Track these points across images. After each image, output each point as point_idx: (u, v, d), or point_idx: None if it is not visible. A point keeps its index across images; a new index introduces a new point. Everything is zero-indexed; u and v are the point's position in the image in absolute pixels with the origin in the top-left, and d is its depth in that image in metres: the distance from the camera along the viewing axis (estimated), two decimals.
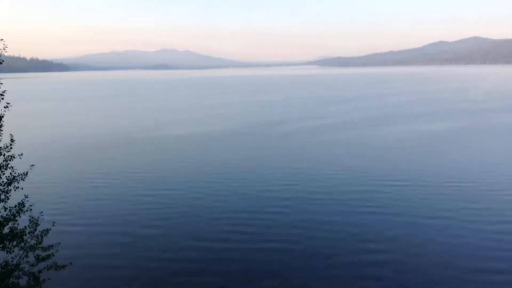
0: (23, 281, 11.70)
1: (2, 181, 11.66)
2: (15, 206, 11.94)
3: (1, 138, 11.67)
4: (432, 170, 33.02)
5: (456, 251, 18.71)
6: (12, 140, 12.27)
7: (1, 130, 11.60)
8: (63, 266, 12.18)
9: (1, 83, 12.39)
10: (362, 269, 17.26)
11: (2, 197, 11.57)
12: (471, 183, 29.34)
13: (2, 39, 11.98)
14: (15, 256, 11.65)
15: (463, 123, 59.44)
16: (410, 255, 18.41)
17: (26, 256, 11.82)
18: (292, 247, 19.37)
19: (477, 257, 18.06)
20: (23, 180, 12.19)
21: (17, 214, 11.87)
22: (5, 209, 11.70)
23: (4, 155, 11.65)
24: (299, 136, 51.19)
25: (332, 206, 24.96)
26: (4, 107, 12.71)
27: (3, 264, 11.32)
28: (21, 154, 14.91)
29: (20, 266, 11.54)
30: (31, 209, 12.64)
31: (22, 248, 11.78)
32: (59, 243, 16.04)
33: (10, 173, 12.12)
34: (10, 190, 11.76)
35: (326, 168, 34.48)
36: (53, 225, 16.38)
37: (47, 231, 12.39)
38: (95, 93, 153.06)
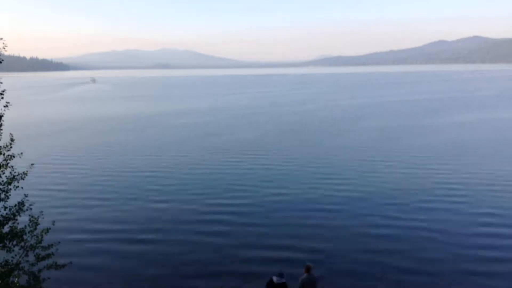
0: (22, 280, 11.72)
1: (2, 181, 11.67)
2: (15, 206, 11.96)
3: (1, 137, 11.67)
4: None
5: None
6: (12, 140, 12.27)
7: (1, 129, 11.60)
8: (63, 266, 12.21)
9: (1, 82, 12.35)
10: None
11: (2, 196, 11.58)
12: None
13: (1, 38, 11.99)
14: (15, 255, 11.66)
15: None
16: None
17: (26, 255, 11.84)
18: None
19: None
20: (23, 179, 12.20)
21: (17, 213, 11.89)
22: (5, 208, 11.71)
23: (4, 154, 11.65)
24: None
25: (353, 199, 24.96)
26: (4, 106, 12.69)
27: (3, 263, 11.34)
28: (21, 153, 14.92)
29: (20, 265, 11.56)
30: (31, 208, 12.65)
31: (22, 247, 11.80)
32: (59, 242, 16.08)
33: (10, 172, 12.12)
34: (10, 189, 11.77)
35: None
36: (53, 224, 16.39)
37: (47, 230, 12.42)
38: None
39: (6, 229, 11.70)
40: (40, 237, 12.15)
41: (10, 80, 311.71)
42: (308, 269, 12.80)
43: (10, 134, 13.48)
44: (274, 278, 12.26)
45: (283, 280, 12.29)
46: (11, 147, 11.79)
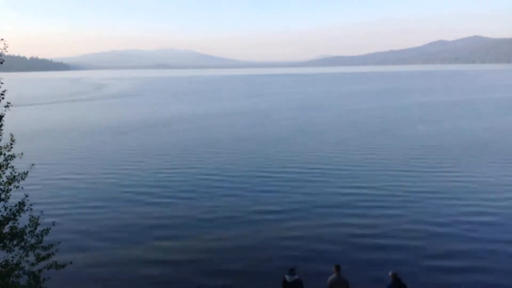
0: (23, 280, 11.74)
1: (2, 181, 11.69)
2: (16, 206, 11.98)
3: (1, 138, 11.70)
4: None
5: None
6: (12, 140, 12.30)
7: (1, 130, 11.63)
8: (63, 266, 12.23)
9: (2, 83, 12.37)
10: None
11: (3, 196, 11.61)
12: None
13: (2, 39, 12.02)
14: (15, 255, 11.69)
15: None
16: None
17: (26, 255, 11.86)
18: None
19: None
20: (24, 179, 12.22)
21: (17, 214, 11.91)
22: (5, 208, 11.74)
23: (4, 154, 11.68)
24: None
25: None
26: (5, 107, 12.72)
27: (3, 263, 11.36)
28: (22, 153, 14.96)
29: (20, 265, 11.58)
30: (31, 209, 12.67)
31: (22, 247, 11.82)
32: (59, 242, 16.10)
33: (11, 173, 12.14)
34: (11, 189, 11.79)
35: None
36: (53, 225, 16.41)
37: (47, 230, 12.44)
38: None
39: (6, 229, 11.72)
40: (40, 237, 12.16)
41: (21, 79, 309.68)
42: (337, 269, 12.45)
43: (11, 134, 13.51)
44: (287, 277, 11.83)
45: (296, 277, 11.85)
46: (11, 147, 11.82)
